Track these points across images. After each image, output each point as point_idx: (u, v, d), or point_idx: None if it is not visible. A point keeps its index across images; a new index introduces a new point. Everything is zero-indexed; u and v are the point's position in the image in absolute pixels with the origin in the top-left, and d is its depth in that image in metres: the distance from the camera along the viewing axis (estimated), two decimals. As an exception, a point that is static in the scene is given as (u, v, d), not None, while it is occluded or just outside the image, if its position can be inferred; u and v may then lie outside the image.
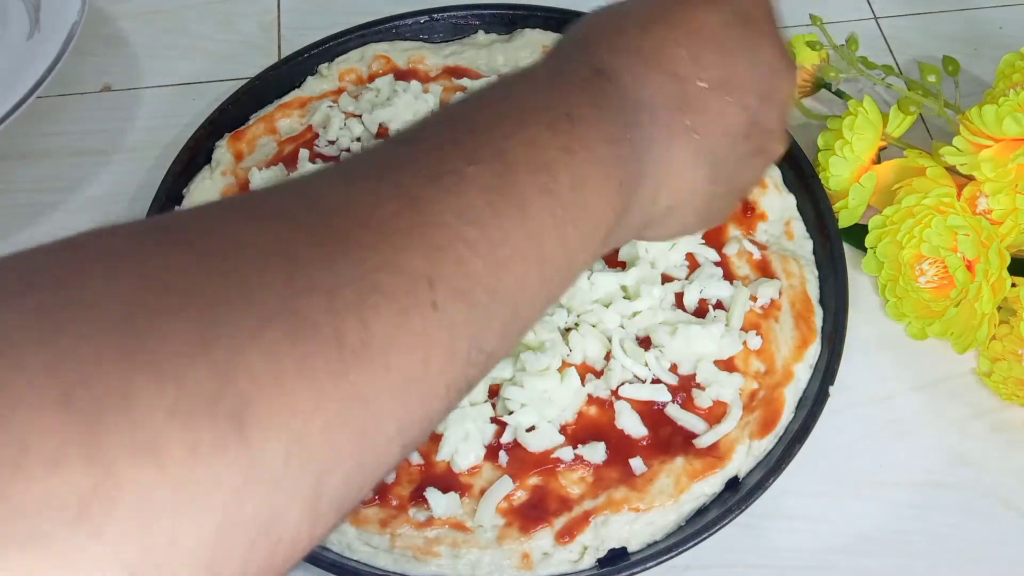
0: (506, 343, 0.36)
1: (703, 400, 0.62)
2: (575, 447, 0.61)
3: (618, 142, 0.40)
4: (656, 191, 0.43)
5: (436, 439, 0.61)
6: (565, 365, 0.63)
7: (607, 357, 0.64)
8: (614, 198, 0.40)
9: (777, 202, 0.72)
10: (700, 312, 0.66)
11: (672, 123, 0.43)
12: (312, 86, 0.77)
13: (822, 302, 0.67)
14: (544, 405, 0.61)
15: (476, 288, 0.33)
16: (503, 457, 0.60)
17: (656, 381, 0.63)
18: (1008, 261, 0.64)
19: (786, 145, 0.51)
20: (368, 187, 0.33)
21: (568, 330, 0.64)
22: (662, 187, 0.43)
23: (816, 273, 0.69)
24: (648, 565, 0.57)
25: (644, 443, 0.61)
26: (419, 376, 0.31)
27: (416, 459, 0.60)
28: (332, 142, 0.74)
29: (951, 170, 0.67)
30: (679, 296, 0.67)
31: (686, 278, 0.67)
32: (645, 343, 0.65)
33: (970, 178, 0.66)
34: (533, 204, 0.36)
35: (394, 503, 0.59)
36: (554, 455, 0.60)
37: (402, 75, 0.77)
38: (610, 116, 0.40)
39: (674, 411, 0.62)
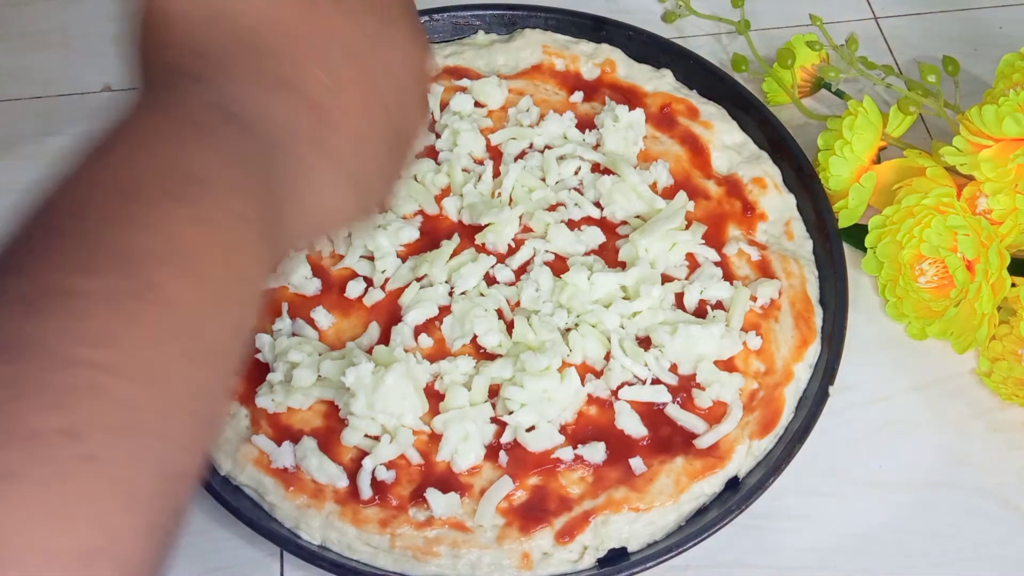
0: (198, 446, 0.32)
1: (703, 400, 0.62)
2: (575, 447, 0.61)
3: (257, 195, 0.35)
4: (301, 218, 0.39)
5: (436, 439, 0.61)
6: (565, 365, 0.63)
7: (607, 357, 0.64)
8: (259, 247, 0.35)
9: (777, 202, 0.72)
10: (700, 312, 0.66)
11: (309, 156, 0.38)
12: (312, 86, 0.77)
13: (822, 302, 0.67)
14: (544, 405, 0.61)
15: (139, 415, 0.29)
16: (503, 457, 0.60)
17: (656, 381, 0.63)
18: (1008, 261, 0.64)
19: (427, 118, 0.46)
20: None
21: (568, 330, 0.64)
22: (308, 214, 0.39)
23: (816, 273, 0.69)
24: (648, 565, 0.57)
25: (644, 443, 0.61)
26: (100, 542, 0.27)
27: (416, 459, 0.60)
28: (332, 142, 0.74)
29: (951, 170, 0.67)
30: (679, 296, 0.67)
31: (686, 278, 0.67)
32: (645, 343, 0.65)
33: (970, 178, 0.66)
34: (178, 295, 0.31)
35: (394, 503, 0.59)
36: (554, 455, 0.60)
37: (402, 75, 0.77)
38: (245, 169, 0.35)
39: (674, 411, 0.62)
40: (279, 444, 0.61)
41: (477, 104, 0.76)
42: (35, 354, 0.28)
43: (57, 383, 0.27)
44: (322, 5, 0.39)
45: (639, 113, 0.73)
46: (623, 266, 0.67)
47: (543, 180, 0.71)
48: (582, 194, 0.71)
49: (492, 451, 0.61)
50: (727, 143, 0.74)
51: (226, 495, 0.59)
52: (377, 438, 0.60)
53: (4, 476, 0.26)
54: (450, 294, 0.66)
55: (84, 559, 0.27)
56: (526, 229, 0.70)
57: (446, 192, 0.71)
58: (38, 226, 0.32)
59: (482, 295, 0.66)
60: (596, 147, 0.73)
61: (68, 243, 0.30)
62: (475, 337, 0.64)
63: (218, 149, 0.35)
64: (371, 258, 0.68)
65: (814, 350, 0.65)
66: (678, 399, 0.63)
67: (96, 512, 0.27)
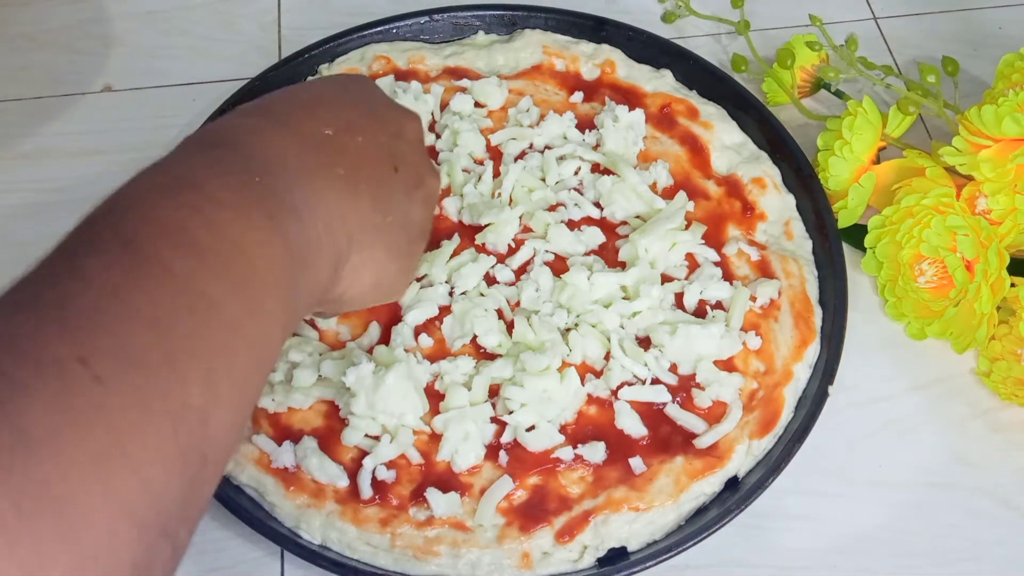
0: (224, 396, 0.37)
1: (703, 400, 0.63)
2: (575, 447, 0.61)
3: (247, 185, 0.43)
4: (328, 226, 0.46)
5: (436, 439, 0.61)
6: (565, 365, 0.63)
7: (607, 357, 0.64)
8: (268, 232, 0.42)
9: (777, 202, 0.72)
10: (700, 312, 0.66)
11: (306, 165, 0.46)
12: (312, 86, 0.77)
13: (822, 302, 0.67)
14: (544, 405, 0.61)
15: (148, 353, 0.34)
16: (503, 457, 0.60)
17: (656, 381, 0.63)
18: (1007, 261, 0.64)
19: (439, 180, 0.58)
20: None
21: (568, 330, 0.64)
22: (333, 221, 0.46)
23: (816, 273, 0.69)
24: (648, 564, 0.57)
25: (644, 443, 0.61)
26: (117, 453, 0.32)
27: (416, 459, 0.60)
28: (332, 142, 0.74)
29: (950, 170, 0.68)
30: (679, 296, 0.67)
31: (686, 278, 0.67)
32: (645, 343, 0.65)
33: (969, 178, 0.67)
34: (173, 262, 0.37)
35: (394, 503, 0.59)
36: (554, 455, 0.60)
37: (402, 75, 0.77)
38: (233, 171, 0.43)
39: (674, 411, 0.62)
40: (279, 444, 0.61)
41: (477, 104, 0.76)
42: (42, 312, 0.34)
43: (63, 326, 0.34)
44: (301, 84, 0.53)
45: (639, 113, 0.73)
46: (623, 266, 0.67)
47: (543, 180, 0.71)
48: (582, 194, 0.71)
49: (492, 451, 0.61)
50: (727, 143, 0.74)
51: (226, 495, 0.59)
52: (377, 438, 0.60)
53: (19, 388, 0.31)
54: (450, 294, 0.66)
55: (99, 461, 0.32)
56: (526, 229, 0.70)
57: (446, 192, 0.71)
58: (87, 218, 0.39)
59: (482, 295, 0.66)
60: (596, 147, 0.73)
61: (94, 230, 0.38)
62: (475, 337, 0.64)
63: (208, 165, 0.43)
64: (371, 258, 0.68)
65: (814, 350, 0.65)
66: (678, 399, 0.63)
67: (108, 423, 0.32)
